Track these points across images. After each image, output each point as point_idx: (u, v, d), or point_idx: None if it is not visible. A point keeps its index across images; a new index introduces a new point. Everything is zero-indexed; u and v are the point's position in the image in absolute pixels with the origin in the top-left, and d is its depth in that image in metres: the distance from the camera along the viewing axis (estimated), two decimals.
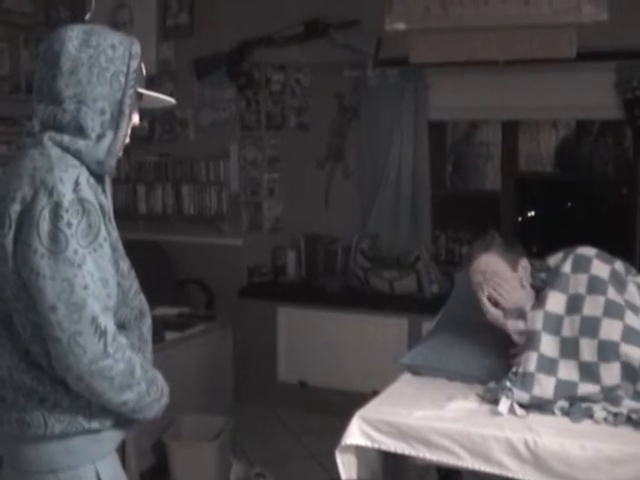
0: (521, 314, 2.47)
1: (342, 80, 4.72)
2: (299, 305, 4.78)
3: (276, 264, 5.01)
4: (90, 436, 1.67)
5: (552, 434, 2.12)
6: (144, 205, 5.25)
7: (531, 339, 2.38)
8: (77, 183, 1.57)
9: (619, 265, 2.52)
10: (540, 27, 4.22)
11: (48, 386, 1.62)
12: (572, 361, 2.31)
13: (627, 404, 2.22)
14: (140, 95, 1.74)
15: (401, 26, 4.56)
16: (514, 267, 2.53)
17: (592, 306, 2.37)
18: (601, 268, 2.46)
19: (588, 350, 2.30)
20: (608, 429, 2.16)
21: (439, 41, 4.42)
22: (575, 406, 2.25)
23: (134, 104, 1.71)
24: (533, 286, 2.54)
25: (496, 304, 2.52)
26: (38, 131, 1.64)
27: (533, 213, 5.82)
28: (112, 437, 1.73)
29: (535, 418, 2.23)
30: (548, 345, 2.35)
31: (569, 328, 2.37)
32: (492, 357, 2.53)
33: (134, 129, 1.76)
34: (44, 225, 1.52)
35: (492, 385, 2.37)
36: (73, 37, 1.64)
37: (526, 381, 2.28)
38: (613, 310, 2.34)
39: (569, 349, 2.33)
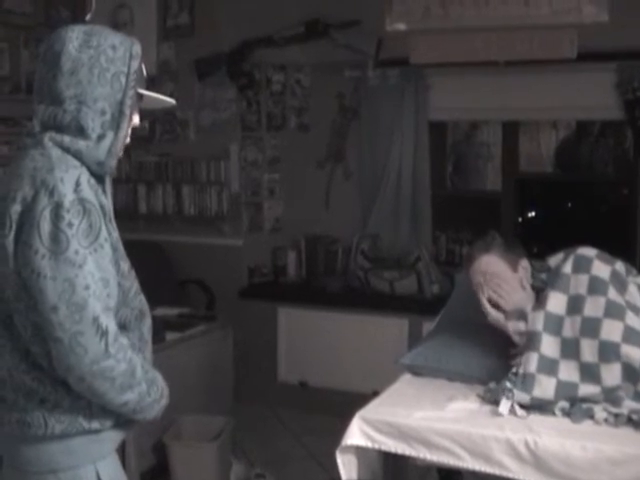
0: (522, 315, 2.47)
1: (342, 80, 4.72)
2: (299, 305, 4.78)
3: (276, 264, 5.01)
4: (90, 436, 1.67)
5: (553, 435, 2.12)
6: (144, 205, 5.25)
7: (532, 340, 2.38)
8: (78, 183, 1.57)
9: (620, 266, 2.52)
10: (540, 28, 4.22)
11: (48, 386, 1.62)
12: (573, 362, 2.31)
13: (628, 405, 2.22)
14: (140, 96, 1.74)
15: (401, 26, 4.56)
16: (514, 268, 2.53)
17: (593, 307, 2.36)
18: (602, 269, 2.46)
19: (589, 351, 2.30)
20: (609, 430, 2.16)
21: (439, 41, 4.42)
22: (576, 407, 2.25)
23: (134, 105, 1.71)
24: (533, 287, 2.54)
25: (496, 306, 2.52)
26: (38, 131, 1.64)
27: (533, 213, 5.82)
28: (112, 437, 1.73)
29: (535, 419, 2.23)
30: (549, 346, 2.35)
31: (570, 329, 2.37)
32: (492, 358, 2.53)
33: (134, 129, 1.76)
34: (45, 225, 1.52)
35: (492, 386, 2.37)
36: (74, 37, 1.64)
37: (527, 382, 2.28)
38: (614, 311, 2.34)
39: (570, 350, 2.33)
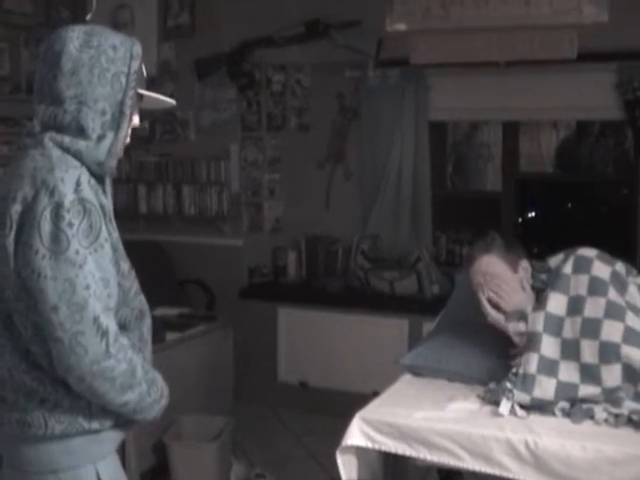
0: (522, 316, 2.47)
1: (343, 80, 4.71)
2: (300, 305, 4.78)
3: (277, 264, 5.01)
4: (90, 436, 1.67)
5: (553, 435, 2.12)
6: (145, 205, 5.25)
7: (532, 340, 2.37)
8: (78, 183, 1.57)
9: (620, 266, 2.52)
10: (541, 28, 4.22)
11: (49, 387, 1.62)
12: (573, 362, 2.31)
13: (628, 405, 2.22)
14: (141, 96, 1.74)
15: (402, 27, 4.56)
16: (514, 268, 2.52)
17: (593, 307, 2.36)
18: (602, 269, 2.46)
19: (589, 351, 2.30)
20: (609, 430, 2.16)
21: (440, 42, 4.42)
22: (576, 407, 2.25)
23: (135, 105, 1.72)
24: (534, 287, 2.54)
25: (496, 307, 2.51)
26: (39, 132, 1.64)
27: (534, 214, 5.83)
28: (112, 437, 1.73)
29: (536, 419, 2.23)
30: (549, 346, 2.35)
31: (570, 329, 2.37)
32: (492, 358, 2.53)
33: (134, 130, 1.76)
34: (45, 225, 1.52)
35: (493, 386, 2.37)
36: (74, 38, 1.64)
37: (527, 382, 2.28)
38: (614, 311, 2.34)
39: (570, 350, 2.33)
